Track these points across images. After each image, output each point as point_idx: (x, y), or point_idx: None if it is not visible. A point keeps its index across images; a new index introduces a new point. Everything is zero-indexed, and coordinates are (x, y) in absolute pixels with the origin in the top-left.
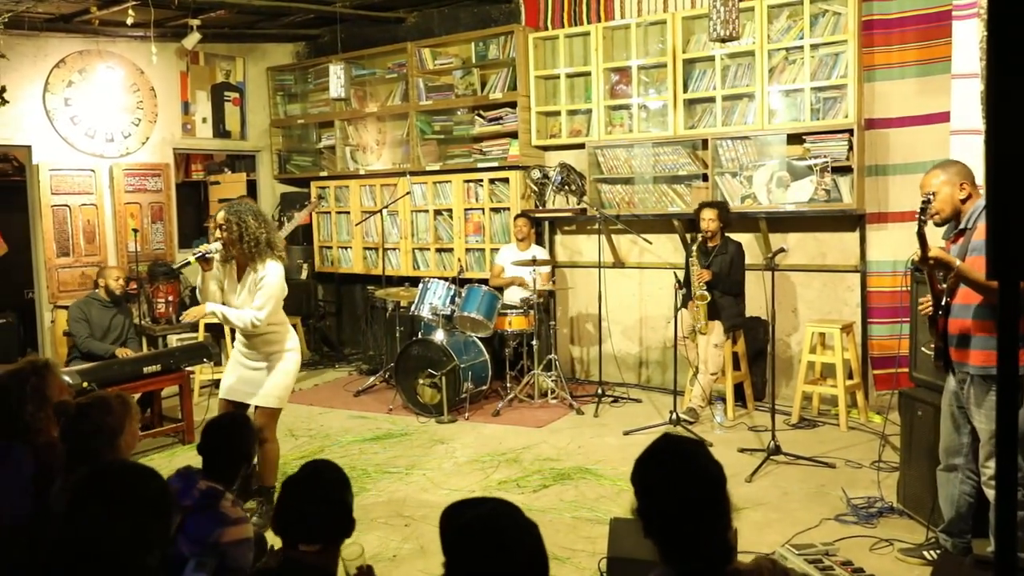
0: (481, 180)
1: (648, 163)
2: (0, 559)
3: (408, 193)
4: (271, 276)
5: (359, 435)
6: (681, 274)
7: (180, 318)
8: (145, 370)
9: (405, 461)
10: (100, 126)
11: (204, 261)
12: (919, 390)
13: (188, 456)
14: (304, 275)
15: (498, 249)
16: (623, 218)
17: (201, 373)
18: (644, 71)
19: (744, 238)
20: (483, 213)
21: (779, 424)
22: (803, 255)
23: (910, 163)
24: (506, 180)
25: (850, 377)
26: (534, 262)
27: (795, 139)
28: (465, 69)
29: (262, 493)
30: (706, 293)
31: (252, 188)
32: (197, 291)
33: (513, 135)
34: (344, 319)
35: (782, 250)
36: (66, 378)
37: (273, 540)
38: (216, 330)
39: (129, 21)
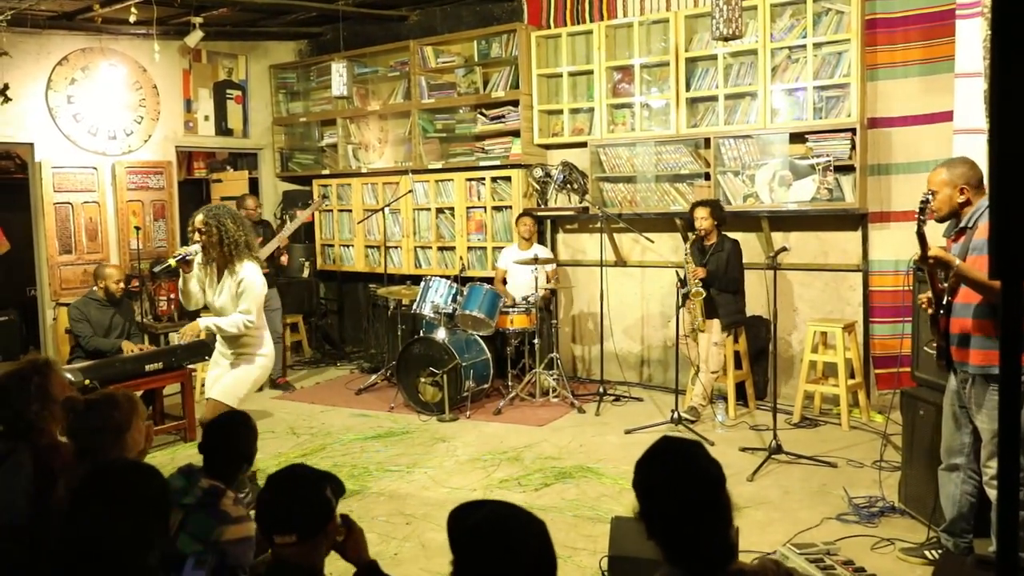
0: (483, 178)
1: (650, 162)
2: (0, 559)
3: (410, 191)
4: (251, 277)
5: (360, 433)
6: (683, 272)
7: (179, 339)
8: (147, 368)
9: (406, 459)
10: (102, 124)
11: (184, 264)
12: (921, 389)
13: (189, 454)
14: (306, 273)
15: (501, 248)
16: (625, 217)
17: (202, 371)
18: (646, 69)
19: (746, 237)
20: (485, 211)
21: (781, 423)
22: (805, 254)
23: (913, 162)
24: (508, 179)
25: (852, 376)
26: (536, 261)
27: (797, 138)
28: (467, 67)
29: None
30: (701, 290)
31: (254, 186)
32: (180, 293)
33: (515, 133)
34: (346, 317)
35: (784, 249)
36: (68, 375)
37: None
38: None
39: (132, 19)
